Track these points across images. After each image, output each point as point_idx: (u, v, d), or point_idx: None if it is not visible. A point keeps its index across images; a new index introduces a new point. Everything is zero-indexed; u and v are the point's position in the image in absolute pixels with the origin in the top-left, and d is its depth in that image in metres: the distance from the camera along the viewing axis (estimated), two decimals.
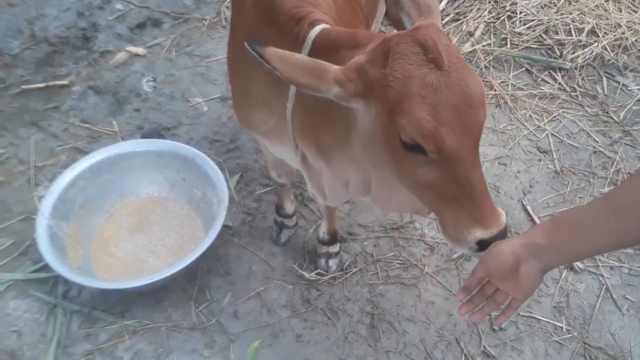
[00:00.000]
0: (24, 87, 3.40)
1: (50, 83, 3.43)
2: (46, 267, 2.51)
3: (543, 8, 3.94)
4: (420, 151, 1.29)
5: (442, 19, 3.81)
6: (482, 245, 1.37)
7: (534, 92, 3.56)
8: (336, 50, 1.50)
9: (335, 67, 1.36)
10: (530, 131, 3.35)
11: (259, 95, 1.85)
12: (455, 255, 2.77)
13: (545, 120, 3.40)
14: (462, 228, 1.36)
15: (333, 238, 2.65)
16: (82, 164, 2.68)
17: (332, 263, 2.69)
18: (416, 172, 1.35)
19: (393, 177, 1.45)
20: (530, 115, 3.43)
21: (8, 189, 2.92)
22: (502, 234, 1.38)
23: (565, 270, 2.75)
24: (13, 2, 3.89)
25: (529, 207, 2.97)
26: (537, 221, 2.91)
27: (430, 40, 1.26)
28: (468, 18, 3.89)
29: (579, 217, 1.36)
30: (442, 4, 3.95)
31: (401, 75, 1.26)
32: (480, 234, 1.35)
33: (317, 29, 1.54)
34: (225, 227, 2.75)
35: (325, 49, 1.51)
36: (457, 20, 3.91)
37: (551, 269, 1.43)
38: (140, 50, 3.68)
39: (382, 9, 2.29)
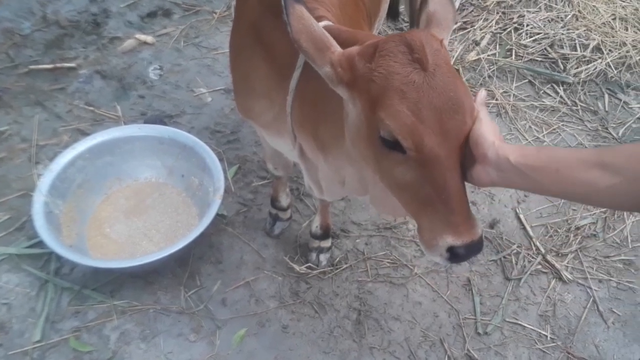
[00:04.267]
0: (32, 67, 3.44)
1: (58, 65, 3.47)
2: (40, 244, 2.55)
3: (550, 22, 3.97)
4: (398, 149, 1.29)
5: None
6: (454, 254, 1.32)
7: (535, 103, 3.58)
8: None
9: (339, 48, 1.39)
10: (529, 142, 3.36)
11: (259, 85, 1.87)
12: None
13: (545, 132, 3.43)
14: (434, 233, 1.32)
15: (325, 233, 2.68)
16: (83, 145, 2.71)
17: (323, 258, 2.71)
18: (394, 171, 1.34)
19: (376, 176, 1.44)
20: (530, 126, 3.45)
21: (9, 165, 2.96)
22: (476, 245, 1.33)
23: (554, 280, 2.77)
24: None
25: (522, 216, 2.99)
26: (530, 230, 2.93)
27: (418, 41, 1.27)
28: (475, 27, 3.93)
29: (560, 157, 1.26)
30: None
31: (385, 70, 1.28)
32: (451, 240, 1.30)
33: (320, 25, 1.53)
34: (220, 216, 2.79)
35: None
36: (464, 29, 3.94)
37: (505, 187, 1.33)
38: (149, 38, 3.72)
39: (385, 8, 2.32)
